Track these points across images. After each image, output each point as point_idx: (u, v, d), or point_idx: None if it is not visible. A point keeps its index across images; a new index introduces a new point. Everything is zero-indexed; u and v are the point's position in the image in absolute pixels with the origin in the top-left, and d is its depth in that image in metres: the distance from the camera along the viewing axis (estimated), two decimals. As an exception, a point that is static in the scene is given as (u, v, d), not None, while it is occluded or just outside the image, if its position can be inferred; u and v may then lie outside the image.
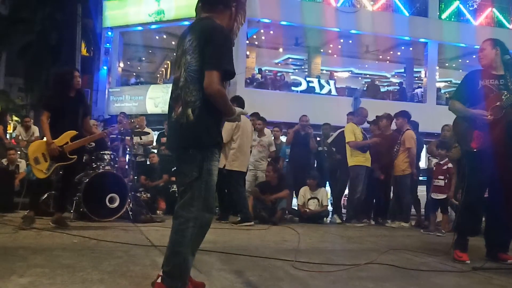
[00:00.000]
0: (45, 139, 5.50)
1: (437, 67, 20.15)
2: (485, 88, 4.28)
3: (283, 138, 9.69)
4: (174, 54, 2.73)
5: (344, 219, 7.96)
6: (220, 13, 2.66)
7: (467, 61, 20.43)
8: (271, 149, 8.23)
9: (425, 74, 19.56)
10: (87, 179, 6.36)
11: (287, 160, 8.71)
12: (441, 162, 6.82)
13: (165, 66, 24.23)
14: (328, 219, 7.99)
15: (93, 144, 6.78)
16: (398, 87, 21.11)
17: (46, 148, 5.40)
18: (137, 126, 8.23)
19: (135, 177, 7.76)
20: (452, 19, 19.46)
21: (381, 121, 8.17)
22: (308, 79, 18.48)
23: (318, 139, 8.81)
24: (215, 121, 2.56)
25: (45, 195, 6.66)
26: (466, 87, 4.48)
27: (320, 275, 3.41)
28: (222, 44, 2.50)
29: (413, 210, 8.19)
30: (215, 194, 8.17)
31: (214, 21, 2.60)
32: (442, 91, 22.09)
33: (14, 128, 16.44)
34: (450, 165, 6.74)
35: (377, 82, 22.15)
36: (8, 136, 11.95)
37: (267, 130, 8.40)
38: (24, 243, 4.29)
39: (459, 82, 4.78)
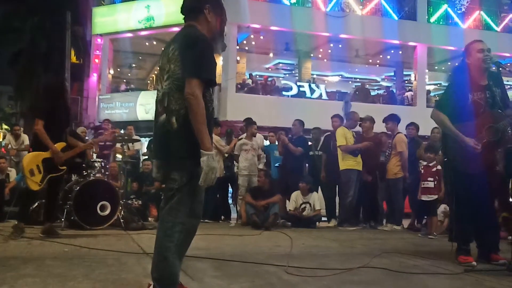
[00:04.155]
0: (30, 149, 5.45)
1: (427, 70, 20.26)
2: (474, 103, 4.21)
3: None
4: (160, 62, 2.71)
5: (336, 223, 7.97)
6: (200, 19, 2.67)
7: (456, 64, 20.52)
8: (259, 152, 8.29)
9: (415, 77, 19.65)
10: (78, 187, 6.32)
11: (276, 165, 8.71)
12: (430, 164, 6.85)
13: (156, 72, 24.16)
14: (321, 223, 7.99)
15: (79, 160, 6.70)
16: (386, 92, 21.16)
17: (42, 160, 5.30)
18: (119, 138, 8.17)
19: (127, 184, 7.72)
20: (441, 23, 19.59)
21: (364, 123, 8.19)
22: (298, 83, 18.53)
23: (309, 143, 8.80)
24: None
25: (35, 204, 6.61)
26: (453, 101, 4.33)
27: (313, 280, 3.40)
28: (203, 52, 2.49)
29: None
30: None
31: (196, 29, 2.61)
32: (432, 93, 22.20)
33: (4, 137, 16.34)
34: (439, 167, 6.77)
35: (367, 86, 22.21)
36: (-3, 145, 11.91)
37: (258, 135, 8.44)
38: (15, 253, 4.26)
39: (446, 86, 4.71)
